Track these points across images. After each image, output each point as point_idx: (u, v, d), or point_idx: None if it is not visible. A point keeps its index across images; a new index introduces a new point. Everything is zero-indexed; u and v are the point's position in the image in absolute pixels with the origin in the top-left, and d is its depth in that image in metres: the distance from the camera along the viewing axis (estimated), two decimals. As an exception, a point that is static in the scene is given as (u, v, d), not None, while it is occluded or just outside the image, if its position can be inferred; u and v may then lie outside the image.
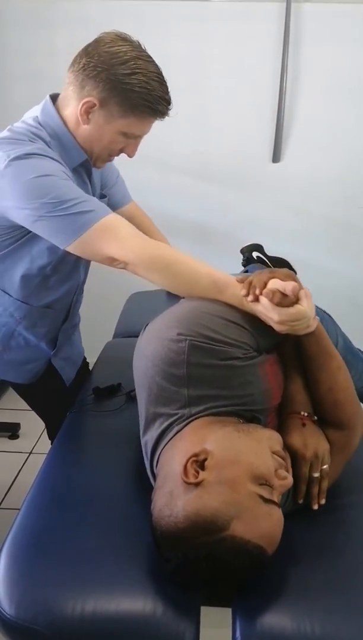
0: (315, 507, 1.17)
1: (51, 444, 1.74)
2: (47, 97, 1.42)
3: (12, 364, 1.67)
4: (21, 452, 2.69)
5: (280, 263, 2.51)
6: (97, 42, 1.32)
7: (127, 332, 2.27)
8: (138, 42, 1.34)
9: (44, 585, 1.01)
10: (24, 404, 1.92)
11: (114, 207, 1.68)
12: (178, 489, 0.99)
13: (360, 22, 2.58)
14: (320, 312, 1.61)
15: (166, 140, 2.81)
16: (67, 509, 1.20)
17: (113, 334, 2.32)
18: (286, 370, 1.28)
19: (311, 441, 1.17)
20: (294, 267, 2.51)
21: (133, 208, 1.80)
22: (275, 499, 0.99)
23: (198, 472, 0.99)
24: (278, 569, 1.06)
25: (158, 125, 2.74)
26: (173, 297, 1.39)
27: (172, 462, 1.05)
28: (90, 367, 2.00)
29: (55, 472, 1.34)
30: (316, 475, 1.15)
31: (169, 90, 1.35)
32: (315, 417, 1.24)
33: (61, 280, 1.56)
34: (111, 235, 1.29)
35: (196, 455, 1.01)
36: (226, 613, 1.03)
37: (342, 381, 1.24)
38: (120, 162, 2.75)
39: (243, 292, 1.19)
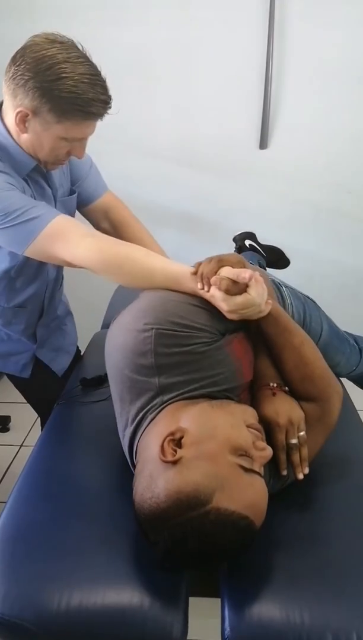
0: (300, 476, 1.15)
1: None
2: None
3: None
4: (12, 445, 2.67)
5: (273, 252, 2.50)
6: (24, 48, 1.25)
7: (116, 323, 2.25)
8: (70, 42, 1.26)
9: (29, 579, 1.00)
10: (14, 397, 1.90)
11: (87, 200, 1.66)
12: (157, 469, 0.98)
13: (347, 5, 2.54)
14: (302, 297, 1.60)
15: (151, 129, 2.78)
16: (53, 501, 1.19)
17: (101, 324, 2.30)
18: (255, 348, 1.28)
19: (284, 408, 1.17)
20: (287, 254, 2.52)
21: (109, 199, 1.72)
22: (256, 469, 0.99)
23: (175, 451, 0.98)
24: (267, 558, 1.06)
25: (142, 114, 2.75)
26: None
27: (149, 447, 1.04)
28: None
29: (41, 465, 1.33)
30: (294, 441, 1.15)
31: (106, 87, 1.28)
32: (286, 388, 1.24)
33: (27, 281, 1.56)
34: (59, 239, 1.29)
35: (172, 434, 1.01)
36: (215, 603, 1.02)
37: (307, 356, 1.23)
38: (105, 151, 2.75)
39: (199, 285, 1.18)
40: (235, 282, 1.13)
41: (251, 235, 2.54)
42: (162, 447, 0.99)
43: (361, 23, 2.55)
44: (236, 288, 1.13)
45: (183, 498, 0.92)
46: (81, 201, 1.65)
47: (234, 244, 2.54)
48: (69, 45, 1.24)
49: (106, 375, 1.63)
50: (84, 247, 1.28)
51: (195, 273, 1.20)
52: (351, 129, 2.76)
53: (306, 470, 1.16)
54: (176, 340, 1.11)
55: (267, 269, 2.43)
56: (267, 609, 0.97)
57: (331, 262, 3.06)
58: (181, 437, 1.00)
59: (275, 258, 2.48)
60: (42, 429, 1.93)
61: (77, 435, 1.47)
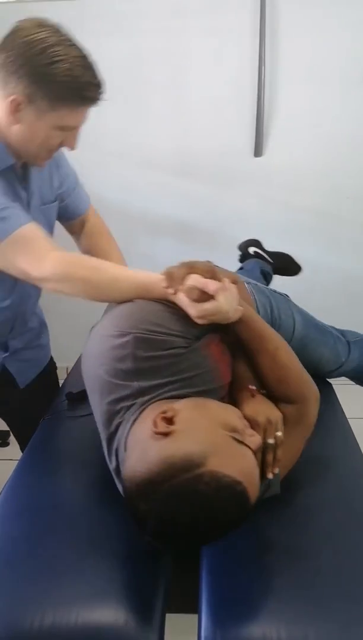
0: (270, 475, 1.14)
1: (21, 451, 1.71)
2: None
3: None
4: (11, 460, 2.64)
5: (282, 258, 2.46)
6: (13, 33, 1.21)
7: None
8: (57, 26, 1.23)
9: (2, 598, 0.98)
10: (14, 411, 1.89)
11: (70, 217, 1.65)
12: (149, 443, 0.97)
13: (338, 8, 2.53)
14: (268, 291, 1.59)
15: (145, 139, 2.77)
16: (32, 518, 1.17)
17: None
18: (232, 352, 1.28)
19: (262, 408, 1.17)
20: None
21: (89, 219, 1.70)
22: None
23: (168, 427, 0.98)
24: (247, 572, 1.04)
25: (137, 124, 2.74)
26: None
27: (137, 436, 1.03)
28: (67, 371, 1.95)
29: (24, 481, 1.32)
30: (270, 441, 1.14)
31: (97, 72, 1.24)
32: (264, 391, 1.24)
33: (3, 296, 1.50)
34: (25, 248, 1.25)
35: (164, 412, 1.01)
36: (193, 620, 0.99)
37: (282, 360, 1.25)
38: (101, 162, 2.74)
39: (165, 284, 1.18)
40: (203, 292, 1.14)
41: (256, 243, 2.51)
42: (155, 422, 0.99)
43: (352, 27, 2.55)
44: (204, 297, 1.15)
45: (176, 461, 0.91)
46: (62, 216, 1.63)
47: (238, 252, 2.52)
48: (57, 29, 1.22)
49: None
50: (49, 260, 1.24)
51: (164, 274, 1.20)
52: (347, 133, 2.74)
53: (276, 471, 1.15)
54: (155, 344, 1.11)
55: (275, 275, 2.41)
56: (245, 626, 0.94)
57: (332, 269, 3.02)
58: (173, 416, 1.00)
59: (285, 265, 2.45)
60: (20, 446, 1.93)
61: (61, 450, 1.45)
